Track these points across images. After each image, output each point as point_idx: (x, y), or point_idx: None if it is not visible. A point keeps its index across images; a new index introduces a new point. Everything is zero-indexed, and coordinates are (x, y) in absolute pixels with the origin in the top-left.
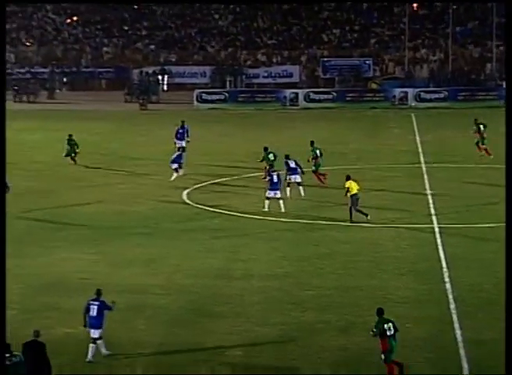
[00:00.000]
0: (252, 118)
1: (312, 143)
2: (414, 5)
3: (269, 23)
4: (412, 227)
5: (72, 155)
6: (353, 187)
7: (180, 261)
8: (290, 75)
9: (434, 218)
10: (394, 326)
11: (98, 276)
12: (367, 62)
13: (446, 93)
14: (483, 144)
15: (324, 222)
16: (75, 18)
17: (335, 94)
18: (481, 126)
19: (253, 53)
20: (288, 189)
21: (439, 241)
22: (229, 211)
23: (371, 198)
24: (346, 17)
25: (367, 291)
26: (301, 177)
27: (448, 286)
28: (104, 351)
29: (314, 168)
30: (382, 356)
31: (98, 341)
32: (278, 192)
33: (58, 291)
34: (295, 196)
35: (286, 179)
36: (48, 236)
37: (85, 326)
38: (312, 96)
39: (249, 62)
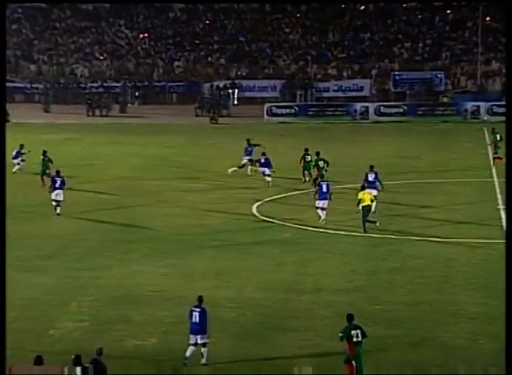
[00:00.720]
0: (322, 132)
1: (318, 154)
2: (487, 17)
3: (340, 37)
4: (484, 242)
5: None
6: (366, 198)
7: (250, 274)
8: (361, 89)
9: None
10: (362, 333)
11: (169, 288)
12: (438, 75)
13: None
14: (496, 153)
15: (394, 236)
16: (147, 31)
17: (406, 107)
18: (498, 136)
19: (323, 67)
20: (374, 204)
21: None
22: (299, 224)
23: (443, 213)
24: (418, 30)
25: (436, 306)
26: (377, 192)
27: None
28: (204, 360)
29: (317, 179)
30: (344, 356)
31: (203, 349)
32: (326, 202)
33: (130, 303)
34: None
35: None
36: (121, 249)
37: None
38: (383, 110)
39: (319, 76)
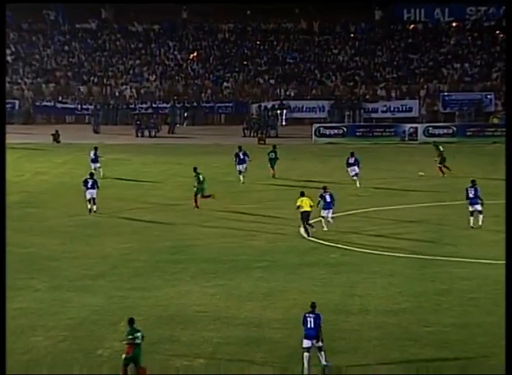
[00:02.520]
0: (370, 152)
1: (195, 169)
2: None
3: (389, 58)
4: None
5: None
6: (305, 204)
7: (297, 295)
8: (409, 109)
9: None
10: (142, 337)
11: (216, 309)
12: (488, 96)
13: None
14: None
15: (443, 257)
16: (196, 53)
17: (455, 128)
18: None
19: (372, 87)
20: (471, 218)
21: None
22: (346, 245)
23: (492, 234)
24: (468, 51)
25: (485, 328)
26: (482, 206)
27: None
28: (323, 361)
29: (196, 191)
30: (124, 358)
31: (321, 352)
32: (331, 211)
33: (177, 323)
34: (417, 231)
35: (467, 207)
36: (169, 269)
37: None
38: (431, 131)
39: (368, 97)
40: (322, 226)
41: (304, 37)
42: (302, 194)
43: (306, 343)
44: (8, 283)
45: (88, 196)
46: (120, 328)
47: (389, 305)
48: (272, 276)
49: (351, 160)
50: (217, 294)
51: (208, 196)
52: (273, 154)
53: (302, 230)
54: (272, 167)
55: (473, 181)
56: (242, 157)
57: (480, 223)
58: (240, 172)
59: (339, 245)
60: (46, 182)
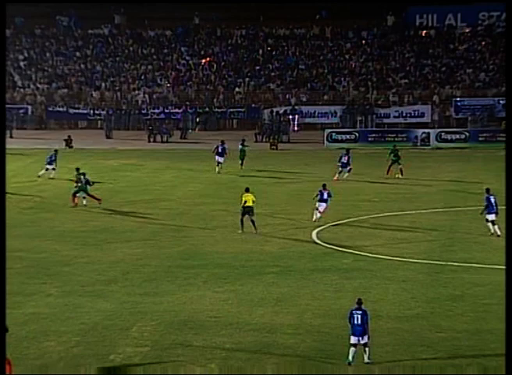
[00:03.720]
0: (382, 158)
1: (78, 169)
2: None
3: (401, 63)
4: None
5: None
6: (248, 199)
7: (310, 301)
8: (422, 115)
9: None
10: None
11: (229, 314)
12: (501, 101)
13: None
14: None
15: (455, 263)
16: (208, 58)
17: (467, 134)
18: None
19: (384, 93)
20: (490, 225)
21: None
22: (358, 251)
23: (505, 240)
24: (480, 56)
25: (498, 334)
26: (496, 216)
27: None
28: (366, 358)
29: (75, 191)
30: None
31: (366, 348)
32: (324, 205)
33: (190, 328)
34: (430, 237)
35: (482, 213)
36: (181, 274)
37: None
38: (444, 136)
39: (380, 102)
40: (312, 217)
41: (317, 42)
42: (247, 190)
43: (353, 339)
44: (20, 289)
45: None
46: (132, 333)
47: (401, 311)
48: (284, 281)
49: (344, 159)
50: (229, 300)
51: (96, 198)
52: (244, 147)
53: (240, 225)
54: (242, 162)
55: (487, 189)
56: (220, 151)
57: (499, 233)
58: (219, 163)
59: (351, 251)
60: (59, 187)
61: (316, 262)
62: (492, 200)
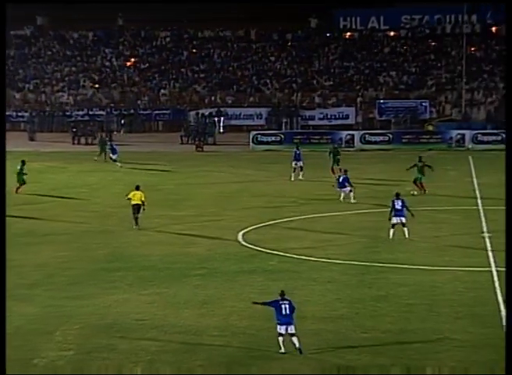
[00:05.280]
0: (308, 159)
1: (23, 161)
2: (471, 47)
3: (326, 65)
4: (470, 270)
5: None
6: (135, 197)
7: (236, 302)
8: (346, 117)
9: (492, 261)
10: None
11: (154, 317)
12: (423, 103)
13: (504, 135)
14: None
15: (380, 264)
16: (132, 60)
17: (391, 135)
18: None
19: (309, 95)
20: (392, 230)
21: (497, 284)
22: (284, 252)
23: (429, 241)
24: (403, 59)
25: (422, 334)
26: (406, 218)
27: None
28: (298, 345)
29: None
30: None
31: (293, 338)
32: (346, 189)
33: (115, 332)
34: (355, 238)
35: (389, 219)
36: (106, 277)
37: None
38: (368, 138)
39: (305, 104)
40: (339, 197)
41: (242, 44)
42: (137, 188)
43: (282, 329)
44: None
45: None
46: (56, 337)
47: (326, 312)
48: (209, 283)
49: (298, 152)
50: (154, 302)
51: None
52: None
53: (133, 222)
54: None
55: (397, 194)
56: (114, 147)
57: (406, 236)
58: (113, 159)
59: (277, 252)
60: None
61: (242, 263)
62: (399, 203)
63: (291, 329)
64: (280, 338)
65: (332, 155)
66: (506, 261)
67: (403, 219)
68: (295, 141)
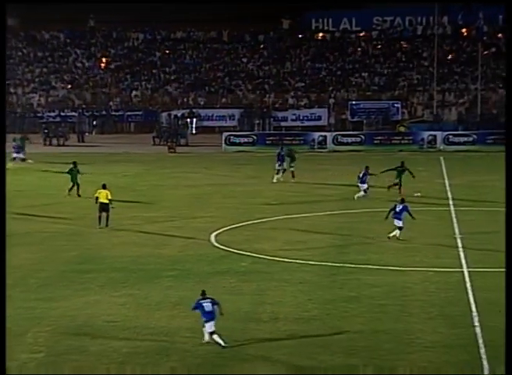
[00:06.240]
0: None
1: None
2: (446, 47)
3: (298, 66)
4: (441, 271)
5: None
6: (102, 196)
7: None
8: (318, 118)
9: (463, 261)
10: None
11: (126, 318)
12: (395, 105)
13: (475, 136)
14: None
15: (351, 265)
16: (104, 61)
17: (363, 137)
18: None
19: (281, 96)
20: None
21: (468, 284)
22: (256, 254)
23: (400, 241)
24: (375, 61)
25: (393, 334)
26: (403, 223)
27: (478, 330)
28: (223, 343)
29: None
30: None
31: (215, 335)
32: (364, 185)
33: (86, 333)
34: (327, 239)
35: (386, 218)
36: (77, 279)
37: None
38: (340, 139)
39: (277, 105)
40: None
41: (214, 45)
42: (103, 187)
43: (210, 326)
44: None
45: None
46: (27, 339)
47: (298, 313)
48: (181, 285)
49: (282, 153)
50: (126, 304)
51: None
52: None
53: (98, 221)
54: None
55: (403, 199)
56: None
57: (398, 236)
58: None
59: (249, 253)
60: None
61: (214, 265)
62: (400, 207)
63: (211, 326)
64: (215, 336)
65: (285, 157)
66: (506, 261)
67: (400, 223)
68: (279, 143)
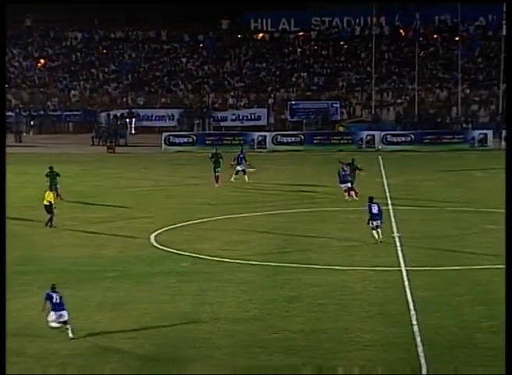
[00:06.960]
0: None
1: None
2: (384, 48)
3: (237, 66)
4: (379, 270)
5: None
6: (48, 197)
7: (148, 304)
8: (258, 118)
9: (401, 260)
10: None
11: None
12: (334, 105)
13: (413, 136)
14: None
15: (292, 265)
16: (42, 61)
17: (302, 136)
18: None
19: (221, 96)
20: (375, 232)
21: (406, 283)
22: (196, 254)
23: (339, 241)
24: (314, 61)
25: (333, 333)
26: (382, 222)
27: (416, 329)
28: (71, 335)
29: None
30: None
31: (68, 326)
32: (348, 183)
33: (25, 335)
34: (266, 239)
35: (368, 223)
36: (16, 280)
37: (52, 310)
38: (280, 139)
39: (217, 105)
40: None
41: (153, 45)
42: (50, 189)
43: (57, 316)
44: None
45: None
46: None
47: (239, 313)
48: (121, 285)
49: (241, 155)
50: (65, 305)
51: None
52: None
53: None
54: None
55: (371, 198)
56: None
57: (381, 237)
58: None
59: (189, 254)
60: None
61: (154, 265)
62: (376, 208)
63: (63, 316)
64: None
65: (213, 160)
66: (506, 261)
67: (379, 222)
68: (240, 144)
